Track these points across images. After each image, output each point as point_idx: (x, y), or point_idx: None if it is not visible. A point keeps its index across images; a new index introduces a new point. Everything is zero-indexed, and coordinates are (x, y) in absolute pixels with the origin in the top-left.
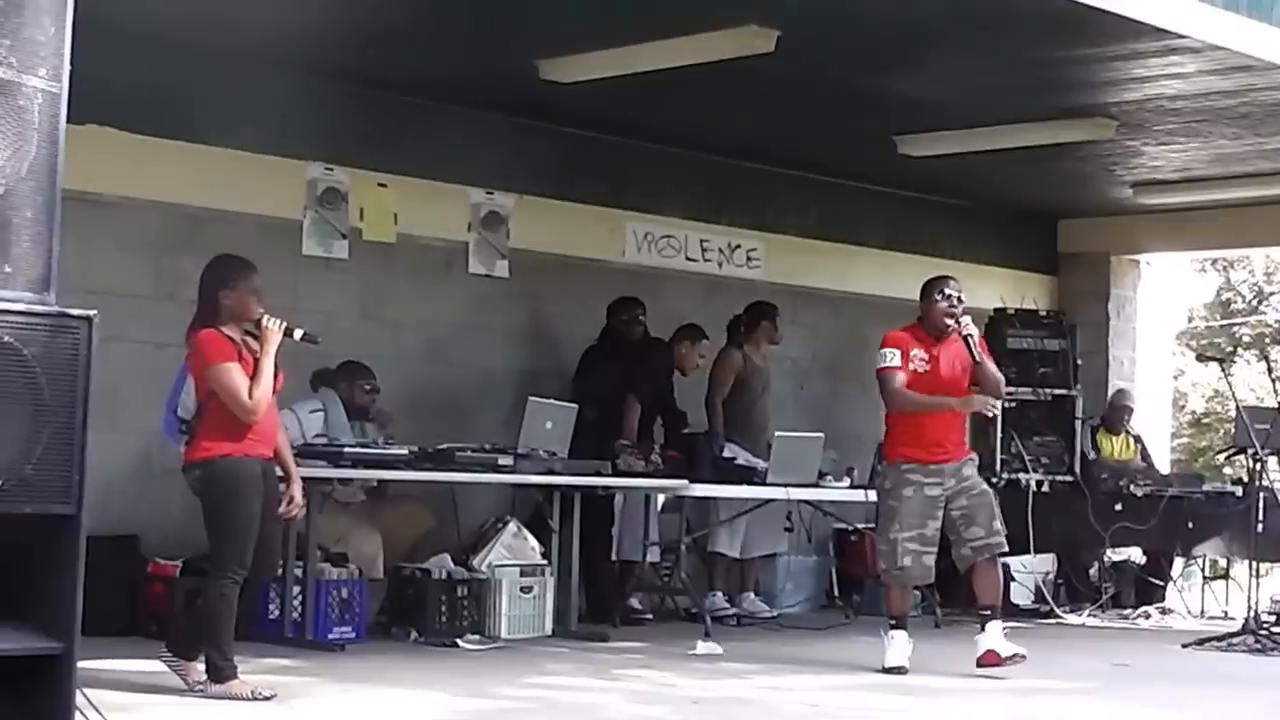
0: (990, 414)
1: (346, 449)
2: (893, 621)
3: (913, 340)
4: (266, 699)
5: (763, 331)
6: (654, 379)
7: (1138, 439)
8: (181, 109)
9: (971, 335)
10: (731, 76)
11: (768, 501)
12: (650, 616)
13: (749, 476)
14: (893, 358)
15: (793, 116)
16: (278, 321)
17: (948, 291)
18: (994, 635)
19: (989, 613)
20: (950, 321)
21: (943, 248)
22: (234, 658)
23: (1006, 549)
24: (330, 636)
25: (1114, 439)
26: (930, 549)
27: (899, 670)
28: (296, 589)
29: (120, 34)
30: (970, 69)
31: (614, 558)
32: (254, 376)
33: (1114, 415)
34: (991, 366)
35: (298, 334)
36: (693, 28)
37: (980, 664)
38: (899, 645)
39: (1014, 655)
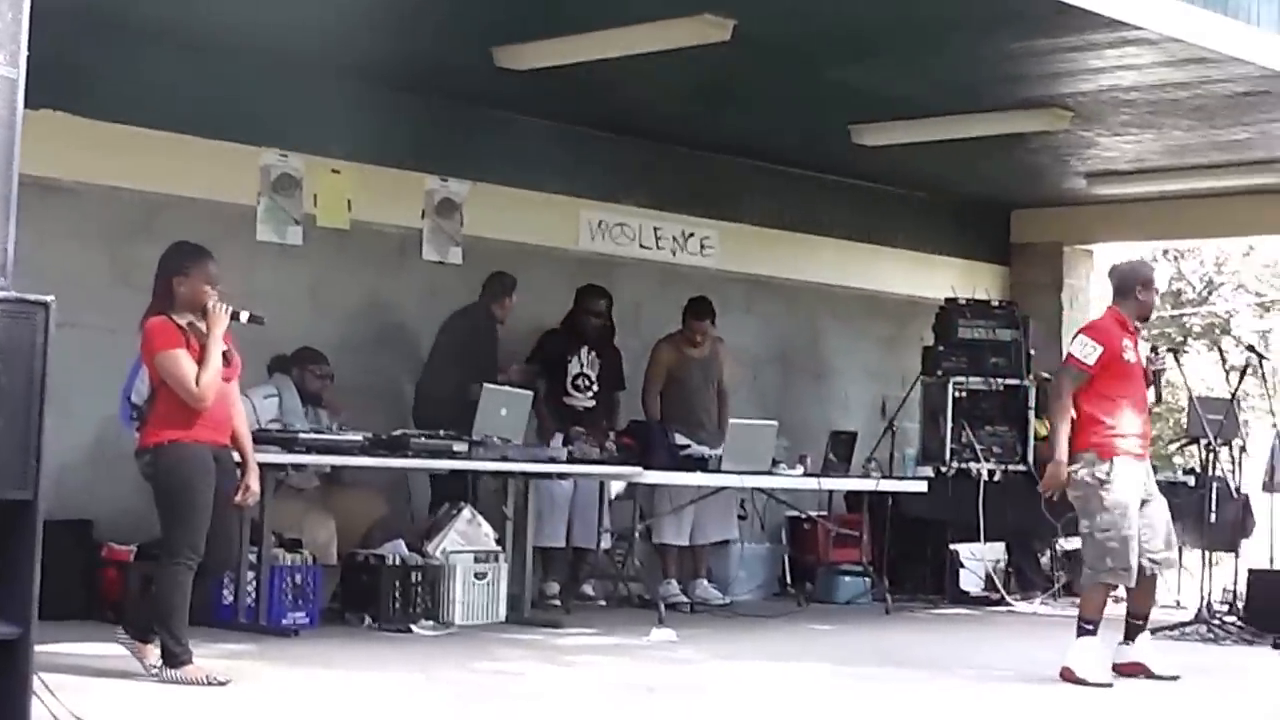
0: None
1: (301, 435)
2: (1089, 626)
3: (1122, 330)
4: (221, 684)
5: (687, 326)
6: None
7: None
8: (136, 95)
9: (1163, 370)
10: (687, 65)
11: (717, 490)
12: (604, 603)
13: (703, 464)
14: (1091, 353)
15: (748, 105)
16: (224, 305)
17: (1153, 287)
18: (1144, 648)
19: (1140, 623)
20: (1152, 313)
21: (896, 237)
22: (188, 643)
23: (1183, 564)
24: (284, 622)
25: (1048, 423)
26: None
27: (1108, 685)
28: (251, 574)
29: (75, 18)
30: (926, 59)
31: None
32: (201, 362)
33: (1039, 399)
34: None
35: (244, 316)
36: (649, 16)
37: (1119, 671)
38: (1099, 654)
39: (1172, 676)
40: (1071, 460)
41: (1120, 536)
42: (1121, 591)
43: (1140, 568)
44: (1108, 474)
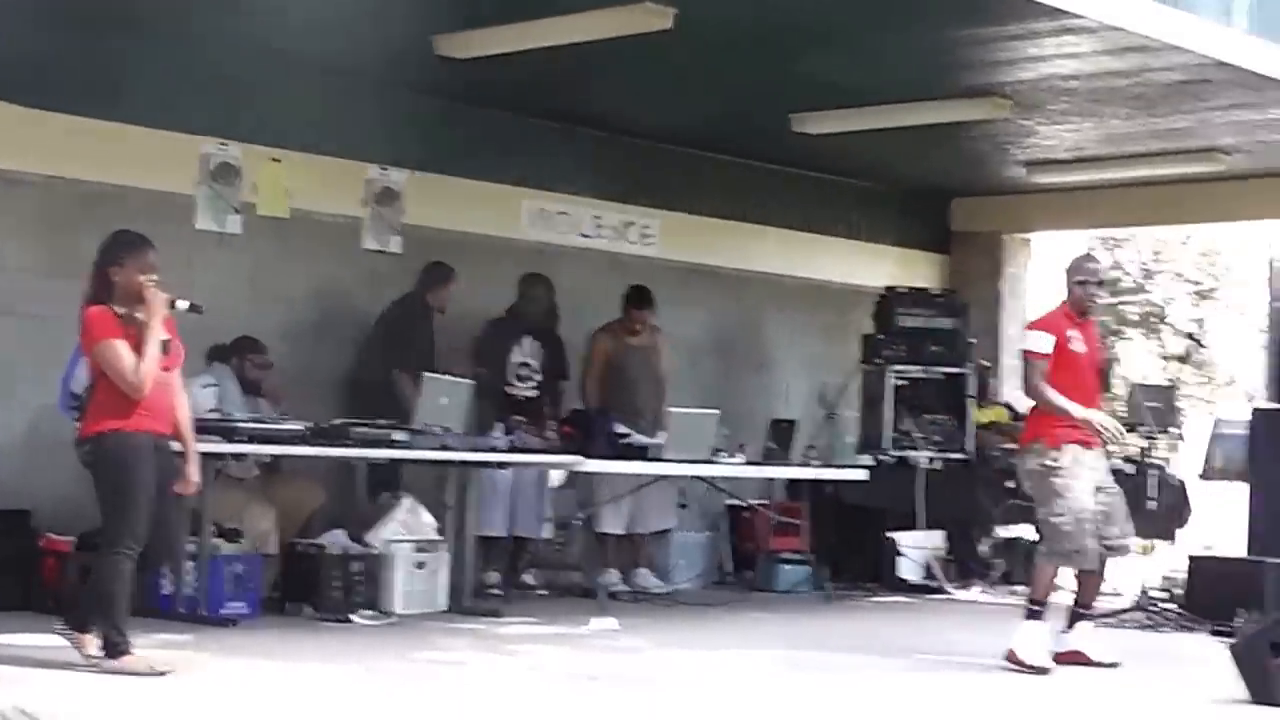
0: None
1: (241, 424)
2: (1038, 609)
3: (1066, 321)
4: (161, 674)
5: (626, 315)
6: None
7: (1007, 406)
8: (74, 83)
9: (1114, 360)
10: (628, 54)
11: (657, 479)
12: (544, 592)
13: (643, 453)
14: (1044, 343)
15: (689, 94)
16: (161, 294)
17: (1084, 278)
18: (1083, 636)
19: (1083, 611)
20: (1092, 306)
21: (836, 226)
22: (129, 633)
23: (1130, 551)
24: (224, 612)
25: (987, 411)
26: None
27: (1046, 671)
28: (190, 564)
29: (11, 7)
30: (867, 48)
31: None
32: (140, 351)
33: (979, 387)
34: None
35: (182, 305)
36: (590, 4)
37: (1059, 660)
38: (1045, 639)
39: (1111, 664)
40: (1023, 451)
41: (1074, 520)
42: (1069, 580)
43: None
44: (1056, 460)
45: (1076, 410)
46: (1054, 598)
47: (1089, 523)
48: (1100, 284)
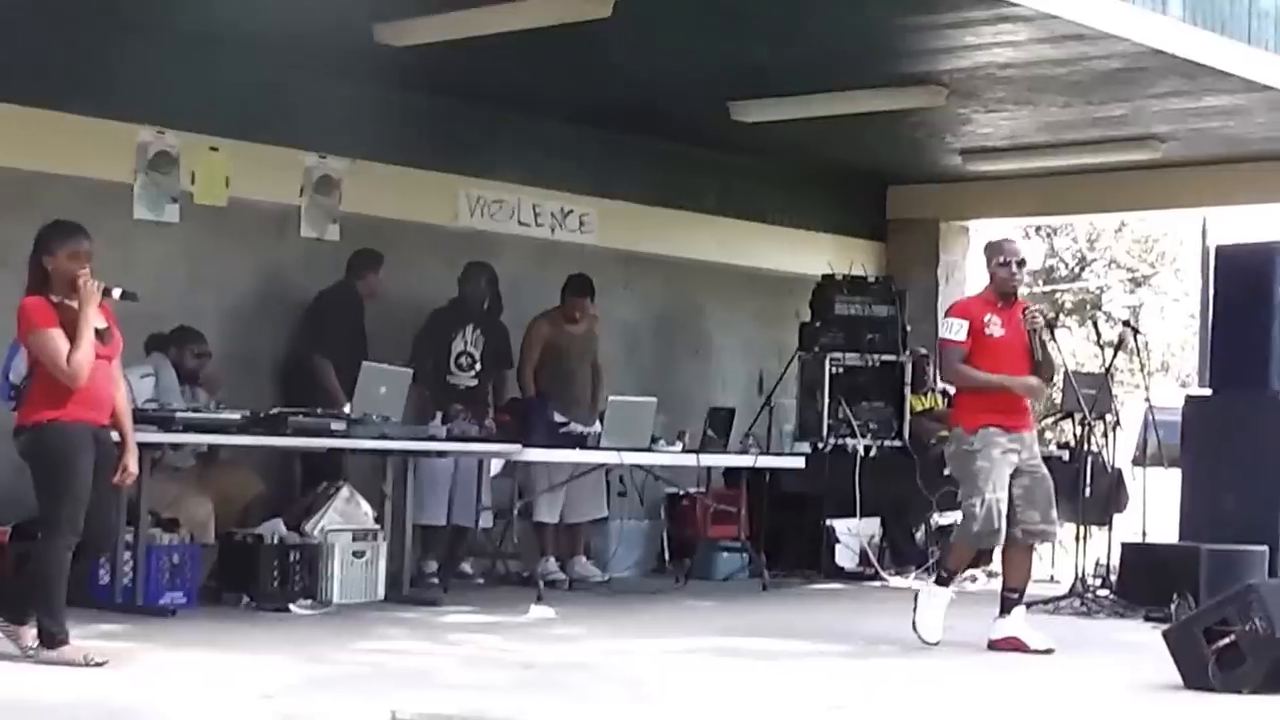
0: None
1: (178, 414)
2: (945, 576)
3: (985, 306)
4: (98, 665)
5: (566, 303)
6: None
7: (943, 393)
8: (10, 70)
9: (1036, 329)
10: (567, 41)
11: (595, 468)
12: (482, 581)
13: (581, 442)
14: (958, 330)
15: (627, 81)
16: (95, 283)
17: (1005, 259)
18: (1018, 621)
19: (1015, 596)
20: (1014, 287)
21: (774, 213)
22: (66, 623)
23: (1057, 538)
24: (161, 601)
25: (923, 398)
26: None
27: (934, 645)
28: (127, 554)
29: None
30: (804, 36)
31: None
32: (74, 340)
33: (915, 375)
34: (1050, 354)
35: (116, 293)
36: None
37: (994, 646)
38: (942, 609)
39: (1046, 649)
40: (946, 439)
41: (985, 500)
42: (997, 565)
43: (1014, 538)
44: (972, 444)
45: (995, 379)
46: (988, 586)
47: (1001, 504)
48: (1021, 264)
